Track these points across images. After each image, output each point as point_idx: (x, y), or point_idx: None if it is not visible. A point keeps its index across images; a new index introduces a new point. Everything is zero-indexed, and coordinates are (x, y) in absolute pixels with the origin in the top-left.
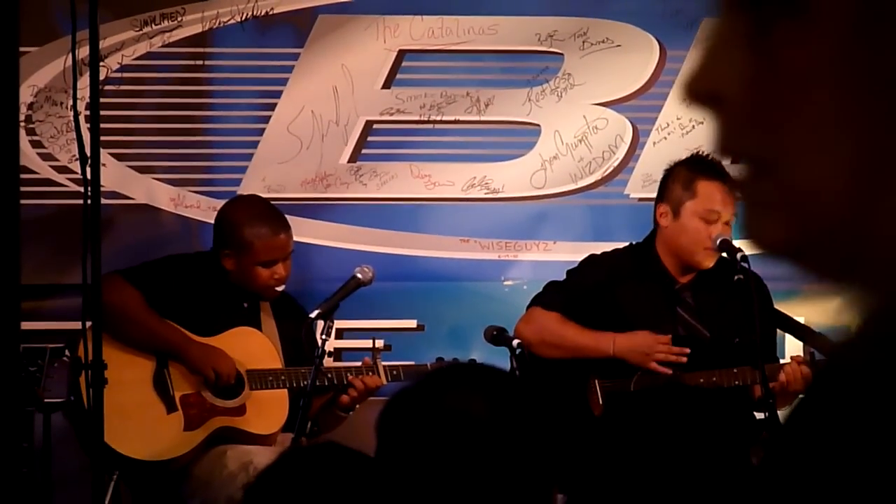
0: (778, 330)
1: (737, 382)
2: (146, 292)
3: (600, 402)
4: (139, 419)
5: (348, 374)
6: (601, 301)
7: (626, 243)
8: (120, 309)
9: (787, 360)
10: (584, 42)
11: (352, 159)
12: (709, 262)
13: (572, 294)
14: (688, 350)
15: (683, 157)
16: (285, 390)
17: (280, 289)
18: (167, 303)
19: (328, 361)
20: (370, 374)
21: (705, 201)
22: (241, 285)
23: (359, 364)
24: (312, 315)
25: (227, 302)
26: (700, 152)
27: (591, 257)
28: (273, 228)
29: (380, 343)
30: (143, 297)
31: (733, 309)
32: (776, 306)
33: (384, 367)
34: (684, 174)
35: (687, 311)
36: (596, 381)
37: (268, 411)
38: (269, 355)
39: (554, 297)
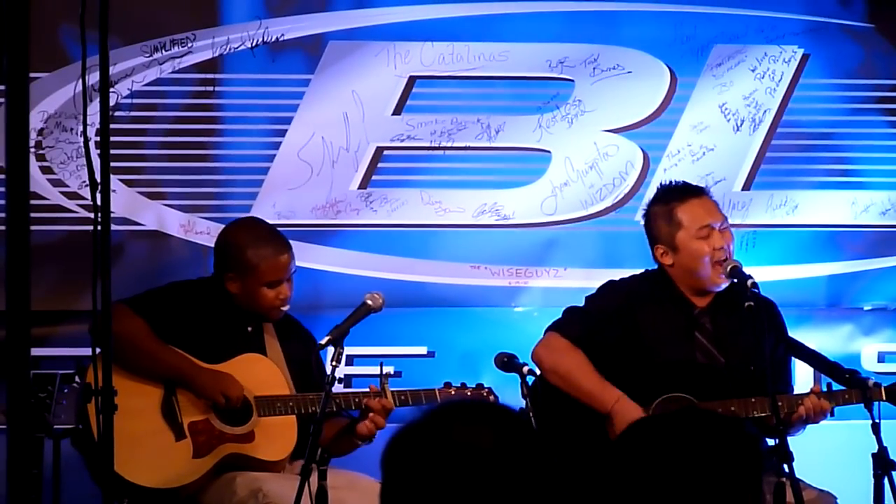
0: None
1: (755, 412)
2: (151, 320)
3: (618, 431)
4: (148, 447)
5: (355, 399)
6: (622, 326)
7: (637, 270)
8: (127, 338)
9: (795, 385)
10: (594, 68)
11: (362, 185)
12: (722, 280)
13: (592, 320)
14: None
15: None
16: (294, 417)
17: (285, 309)
18: (172, 330)
19: (339, 388)
20: (377, 398)
21: (691, 223)
22: (245, 308)
23: (366, 390)
24: (323, 341)
25: (232, 326)
26: (661, 184)
27: (611, 283)
28: (276, 249)
29: (389, 369)
30: (148, 326)
31: (749, 334)
32: (788, 333)
33: (392, 392)
34: (661, 210)
35: (705, 337)
36: None
37: (276, 438)
38: (277, 382)
39: (574, 324)
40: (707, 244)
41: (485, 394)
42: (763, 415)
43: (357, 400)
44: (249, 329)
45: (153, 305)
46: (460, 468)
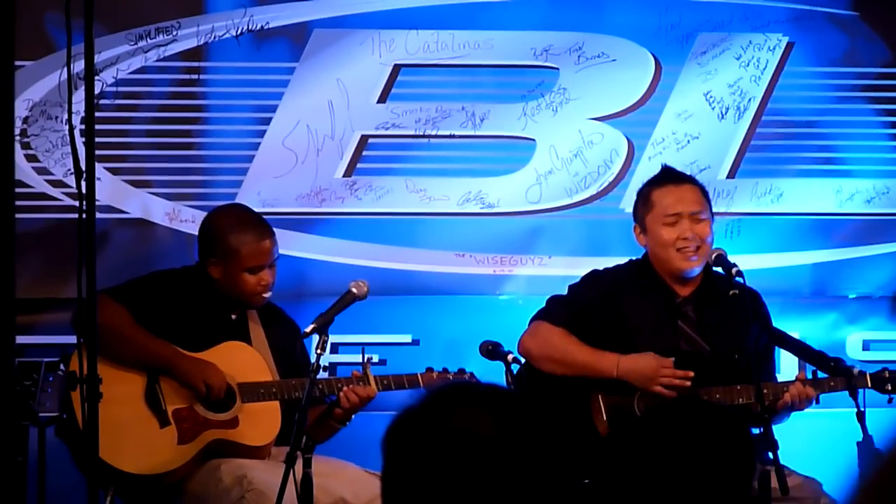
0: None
1: (740, 400)
2: (133, 309)
3: (604, 417)
4: (133, 434)
5: (339, 385)
6: (605, 315)
7: (622, 258)
8: (108, 326)
9: (780, 374)
10: (579, 56)
11: (347, 173)
12: (687, 265)
13: (576, 308)
14: (692, 374)
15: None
16: (277, 403)
17: (267, 295)
18: (155, 319)
19: (324, 376)
20: (361, 384)
21: (660, 208)
22: (227, 294)
23: (349, 377)
24: (307, 329)
25: (215, 314)
26: (663, 165)
27: (594, 272)
28: (258, 234)
29: (374, 357)
30: (130, 314)
31: (733, 323)
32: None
33: (375, 377)
34: (643, 191)
35: (688, 325)
36: (599, 397)
37: (261, 423)
38: (260, 369)
39: (558, 312)
40: (672, 231)
41: (467, 378)
42: (748, 402)
43: (340, 386)
44: (233, 317)
45: (134, 294)
46: (459, 455)
